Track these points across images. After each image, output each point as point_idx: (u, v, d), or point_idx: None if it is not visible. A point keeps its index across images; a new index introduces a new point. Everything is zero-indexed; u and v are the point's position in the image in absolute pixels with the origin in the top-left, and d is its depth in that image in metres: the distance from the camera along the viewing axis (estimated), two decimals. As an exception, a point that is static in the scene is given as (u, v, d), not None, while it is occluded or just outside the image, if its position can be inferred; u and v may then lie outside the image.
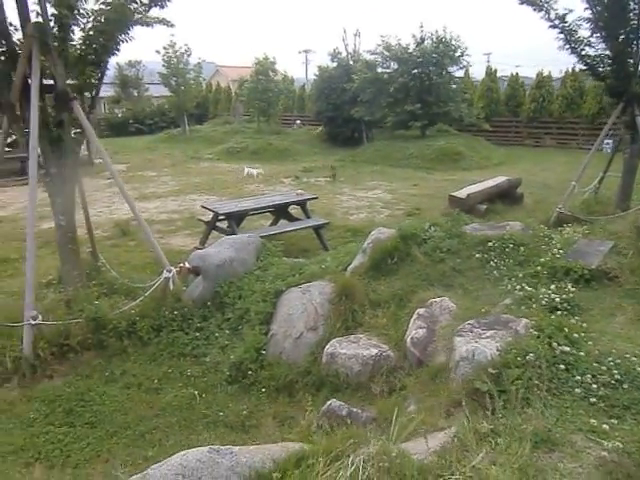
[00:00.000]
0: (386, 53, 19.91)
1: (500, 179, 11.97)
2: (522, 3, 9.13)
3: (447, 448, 2.52)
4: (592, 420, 2.64)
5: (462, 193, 10.56)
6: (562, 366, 2.96)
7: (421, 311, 4.53)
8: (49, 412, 4.61)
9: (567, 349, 3.07)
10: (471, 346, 3.15)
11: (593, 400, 2.81)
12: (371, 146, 19.96)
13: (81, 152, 20.50)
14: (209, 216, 8.88)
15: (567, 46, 8.94)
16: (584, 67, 9.19)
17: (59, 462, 3.99)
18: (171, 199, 13.60)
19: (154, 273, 7.32)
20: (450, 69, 19.94)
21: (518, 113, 23.09)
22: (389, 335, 4.66)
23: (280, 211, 8.92)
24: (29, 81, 5.64)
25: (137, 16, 5.91)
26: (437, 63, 19.02)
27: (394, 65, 20.18)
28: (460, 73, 21.66)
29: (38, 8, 5.47)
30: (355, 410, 3.70)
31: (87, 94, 6.20)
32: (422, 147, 18.22)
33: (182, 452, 2.40)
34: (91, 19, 5.78)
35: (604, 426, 2.58)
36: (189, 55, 24.45)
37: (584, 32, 8.67)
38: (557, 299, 4.08)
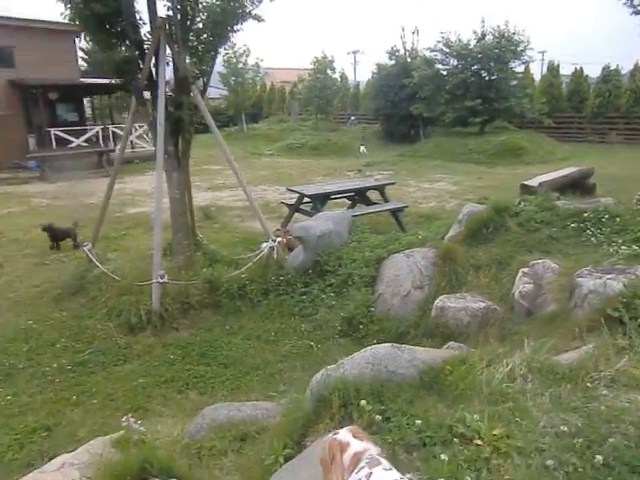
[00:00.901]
0: (446, 50, 20.15)
1: (571, 169, 11.98)
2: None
3: (589, 357, 2.87)
4: None
5: (534, 182, 10.69)
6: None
7: (525, 270, 4.86)
8: (185, 355, 5.23)
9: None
10: (599, 281, 3.49)
11: None
12: (430, 142, 20.21)
13: (147, 147, 21.70)
14: (291, 200, 9.45)
15: None
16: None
17: (207, 391, 4.57)
18: (242, 189, 14.27)
19: (245, 250, 7.97)
20: (511, 64, 19.90)
21: (581, 109, 22.68)
22: (492, 293, 5.02)
23: (360, 195, 9.38)
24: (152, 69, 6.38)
25: (249, 8, 6.49)
26: (498, 58, 19.06)
27: (453, 61, 20.37)
28: (520, 69, 21.58)
29: (167, 3, 6.17)
30: (475, 350, 4.08)
31: (203, 79, 6.83)
32: (482, 142, 18.32)
33: (369, 347, 2.87)
34: (210, 11, 6.41)
35: None
36: (247, 56, 25.39)
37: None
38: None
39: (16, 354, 5.36)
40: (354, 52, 45.05)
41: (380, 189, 9.38)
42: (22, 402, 4.52)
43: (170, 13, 6.19)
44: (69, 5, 6.20)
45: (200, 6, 6.32)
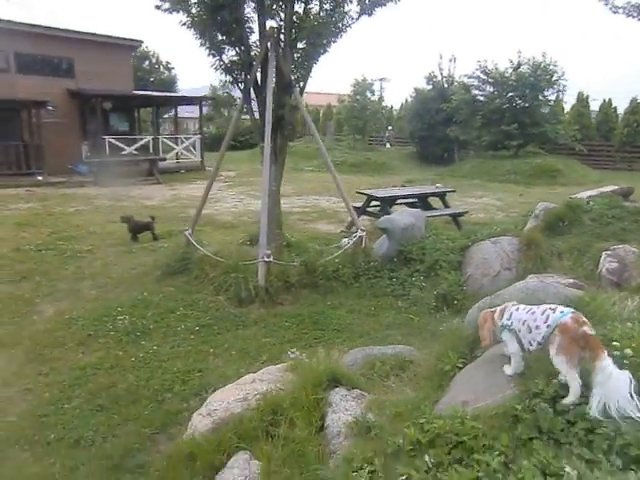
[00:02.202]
0: (483, 77, 21.07)
1: (613, 187, 12.57)
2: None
3: None
4: None
5: (582, 196, 11.31)
6: None
7: (608, 252, 5.46)
8: (298, 322, 5.83)
9: None
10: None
11: None
12: (466, 163, 20.98)
13: (193, 158, 22.76)
14: (358, 203, 10.14)
15: None
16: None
17: (328, 348, 5.16)
18: (295, 198, 15.07)
19: (320, 245, 8.62)
20: (545, 93, 20.74)
21: (610, 138, 23.42)
22: (576, 273, 5.60)
23: (422, 200, 10.05)
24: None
25: (349, 22, 7.29)
26: (533, 87, 19.91)
27: (489, 88, 21.26)
28: (553, 97, 22.40)
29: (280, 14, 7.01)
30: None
31: (300, 83, 7.60)
32: (518, 164, 19.03)
33: (521, 281, 3.49)
34: (313, 24, 7.22)
35: None
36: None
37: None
38: None
39: (143, 317, 6.00)
40: (380, 79, 46.32)
41: (441, 196, 10.04)
42: (166, 352, 5.14)
43: (281, 23, 7.02)
44: (189, 14, 7.07)
45: (306, 19, 7.13)
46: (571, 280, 5.30)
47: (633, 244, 5.79)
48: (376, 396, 3.21)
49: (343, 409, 3.06)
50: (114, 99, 20.46)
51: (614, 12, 10.03)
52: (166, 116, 32.89)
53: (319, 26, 7.11)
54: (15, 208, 13.45)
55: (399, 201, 9.79)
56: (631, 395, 2.05)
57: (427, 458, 2.28)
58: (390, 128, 27.77)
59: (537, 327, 2.45)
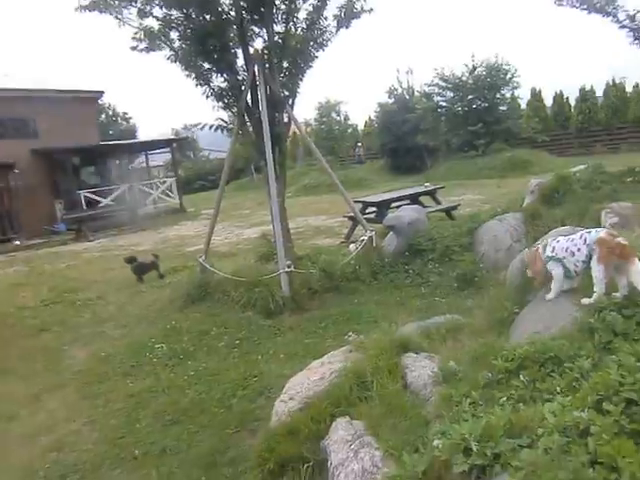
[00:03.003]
0: (442, 83, 22.06)
1: (584, 165, 13.30)
2: (590, 12, 10.80)
3: None
4: None
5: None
6: None
7: (607, 210, 5.89)
8: (333, 322, 6.00)
9: None
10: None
11: None
12: (440, 167, 21.72)
13: (172, 200, 22.65)
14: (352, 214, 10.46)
15: (637, 41, 10.51)
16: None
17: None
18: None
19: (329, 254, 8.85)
20: (502, 91, 21.83)
21: (567, 126, 24.66)
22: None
23: (414, 200, 10.46)
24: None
25: (328, 36, 7.72)
26: (491, 87, 20.96)
27: (450, 93, 22.25)
28: (509, 94, 23.54)
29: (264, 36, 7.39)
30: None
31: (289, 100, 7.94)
32: (490, 161, 19.87)
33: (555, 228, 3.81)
34: (294, 42, 7.62)
35: None
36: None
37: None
38: None
39: (179, 342, 6.10)
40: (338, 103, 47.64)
41: (432, 193, 10.48)
42: (215, 367, 5.24)
43: (264, 44, 7.40)
44: (172, 49, 7.37)
45: (287, 38, 7.51)
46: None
47: (627, 201, 6.26)
48: (446, 354, 3.46)
49: (420, 367, 3.29)
50: (82, 152, 20.38)
51: (559, 5, 10.82)
52: (130, 168, 32.94)
53: (301, 44, 7.53)
54: (1, 273, 13.13)
55: (394, 204, 10.17)
56: None
57: (521, 377, 2.54)
58: (359, 144, 28.52)
59: (579, 250, 2.84)
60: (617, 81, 22.46)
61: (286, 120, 7.85)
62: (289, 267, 6.77)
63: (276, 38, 7.44)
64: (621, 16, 10.09)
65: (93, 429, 4.34)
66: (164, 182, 22.86)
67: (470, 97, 21.17)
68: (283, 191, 7.95)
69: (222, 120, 7.94)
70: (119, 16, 7.19)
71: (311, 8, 7.55)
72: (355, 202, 10.58)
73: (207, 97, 7.66)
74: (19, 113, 19.94)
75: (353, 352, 3.94)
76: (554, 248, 3.06)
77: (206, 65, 7.50)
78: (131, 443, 3.96)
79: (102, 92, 23.71)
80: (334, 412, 3.13)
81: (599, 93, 24.21)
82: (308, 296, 6.83)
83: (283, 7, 7.28)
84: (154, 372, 5.34)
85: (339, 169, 25.25)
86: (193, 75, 7.57)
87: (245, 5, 7.14)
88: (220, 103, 7.74)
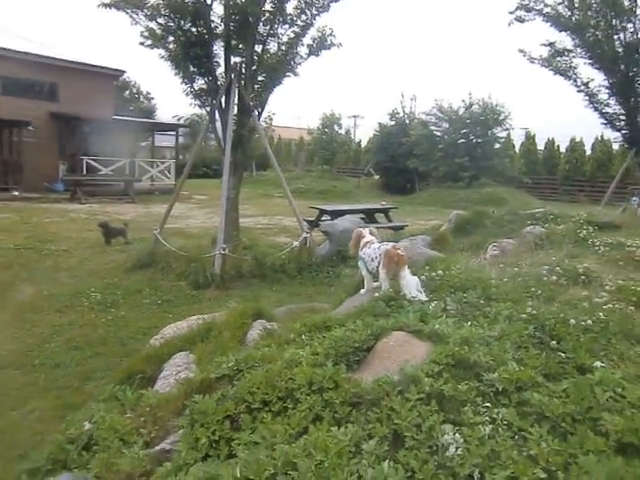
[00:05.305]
0: (439, 114, 23.08)
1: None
2: (555, 74, 11.82)
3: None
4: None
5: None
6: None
7: (495, 243, 6.81)
8: (242, 300, 6.90)
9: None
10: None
11: None
12: (424, 192, 22.70)
13: (167, 181, 23.76)
14: (311, 219, 11.43)
15: (591, 105, 11.53)
16: (604, 121, 11.72)
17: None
18: (260, 217, 16.33)
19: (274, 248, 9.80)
20: (494, 130, 22.80)
21: (555, 172, 25.61)
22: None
23: (368, 215, 11.39)
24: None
25: (299, 61, 8.73)
26: (483, 124, 21.96)
27: (445, 125, 23.26)
28: (503, 134, 24.52)
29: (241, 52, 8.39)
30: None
31: (259, 109, 8.95)
32: (470, 193, 20.77)
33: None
34: (270, 61, 8.63)
35: None
36: (260, 111, 28.18)
37: (603, 95, 11.33)
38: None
39: (113, 294, 7.07)
40: (354, 116, 48.84)
41: (385, 212, 11.43)
42: (132, 317, 6.22)
43: (242, 59, 8.40)
44: (167, 50, 8.39)
45: (264, 57, 8.54)
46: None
47: (516, 239, 7.19)
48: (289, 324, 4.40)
49: (257, 327, 4.23)
50: (93, 123, 21.55)
51: (531, 62, 11.82)
52: (144, 144, 34.10)
53: (275, 64, 8.54)
54: (-9, 218, 14.15)
55: (346, 215, 11.10)
56: (418, 289, 3.38)
57: (303, 337, 3.47)
58: (369, 166, 29.38)
59: (376, 257, 3.79)
60: (605, 137, 23.44)
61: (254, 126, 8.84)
62: (224, 250, 7.71)
63: (254, 55, 8.44)
64: (578, 82, 11.07)
65: (12, 342, 5.31)
66: (164, 162, 23.88)
67: (463, 131, 22.16)
68: (238, 186, 8.91)
69: (197, 116, 8.95)
70: (133, 16, 8.21)
71: (292, 34, 8.56)
72: (313, 209, 11.57)
73: (187, 95, 8.66)
74: (44, 77, 21.37)
75: (224, 313, 4.89)
76: (365, 252, 4.01)
77: (191, 68, 8.48)
78: (35, 356, 4.92)
79: (123, 71, 24.99)
80: (182, 347, 4.07)
81: (588, 146, 25.26)
82: (236, 278, 7.78)
83: (262, 31, 8.27)
84: (81, 312, 6.31)
85: (331, 179, 26.28)
86: (180, 74, 8.58)
87: (232, 24, 8.13)
88: (197, 102, 8.74)
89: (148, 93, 43.29)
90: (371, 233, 4.22)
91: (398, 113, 25.71)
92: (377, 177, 27.50)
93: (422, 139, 22.81)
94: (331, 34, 8.54)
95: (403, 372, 2.38)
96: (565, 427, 1.98)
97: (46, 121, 21.38)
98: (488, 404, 2.23)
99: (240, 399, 2.51)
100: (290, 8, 8.39)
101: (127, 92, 40.94)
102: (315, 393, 2.42)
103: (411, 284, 3.59)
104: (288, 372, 2.61)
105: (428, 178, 24.86)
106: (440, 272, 3.86)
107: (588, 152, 25.54)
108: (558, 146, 26.49)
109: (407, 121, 25.49)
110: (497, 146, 23.26)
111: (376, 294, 3.85)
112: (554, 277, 3.71)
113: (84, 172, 21.05)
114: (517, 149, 26.66)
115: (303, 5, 8.47)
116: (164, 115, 39.39)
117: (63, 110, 21.30)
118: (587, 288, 3.56)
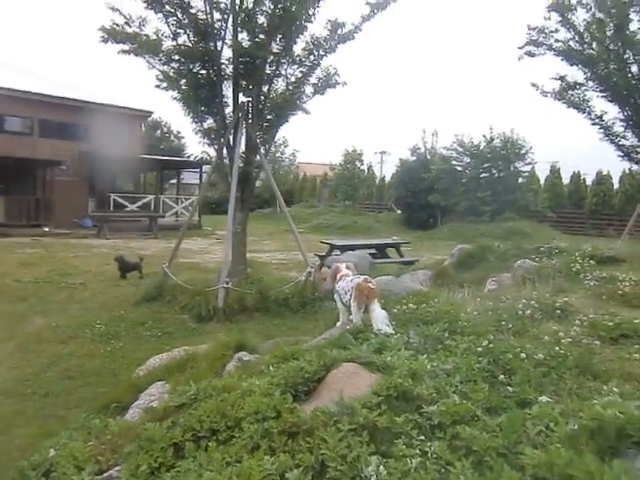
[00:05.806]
0: (460, 149, 23.14)
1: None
2: (569, 107, 11.77)
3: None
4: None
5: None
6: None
7: (494, 278, 6.71)
8: (243, 333, 6.99)
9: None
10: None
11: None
12: (445, 227, 22.56)
13: (190, 217, 24.31)
14: (323, 253, 11.52)
15: (606, 138, 11.38)
16: (621, 154, 11.51)
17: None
18: (278, 253, 16.51)
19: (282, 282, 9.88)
20: (517, 164, 22.66)
21: (581, 206, 25.09)
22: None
23: (379, 250, 11.39)
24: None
25: (305, 100, 9.00)
26: (504, 159, 21.87)
27: (466, 159, 23.26)
28: (527, 168, 24.24)
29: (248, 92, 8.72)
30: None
31: (265, 146, 9.21)
32: (492, 228, 20.49)
33: (386, 276, 4.74)
34: (277, 100, 8.92)
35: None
36: (286, 146, 28.94)
37: (618, 128, 11.17)
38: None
39: (117, 326, 7.23)
40: (381, 152, 49.47)
41: (396, 247, 11.41)
42: (130, 349, 6.33)
43: (249, 99, 8.73)
44: (179, 91, 8.80)
45: (270, 96, 8.85)
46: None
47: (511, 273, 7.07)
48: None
49: (236, 359, 4.27)
50: (122, 161, 22.47)
51: (544, 96, 11.83)
52: (173, 181, 35.16)
53: (282, 102, 8.82)
54: (21, 252, 14.86)
55: (357, 250, 11.15)
56: (386, 322, 3.39)
57: (271, 368, 3.49)
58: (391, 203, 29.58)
59: (349, 290, 3.80)
60: (634, 169, 22.93)
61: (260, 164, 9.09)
62: (227, 284, 7.82)
63: (262, 95, 8.76)
64: (592, 114, 10.99)
65: (11, 372, 5.48)
66: (188, 199, 24.58)
67: (485, 165, 22.11)
68: (245, 221, 9.07)
69: (207, 154, 9.29)
70: (150, 61, 8.69)
71: (299, 74, 8.87)
72: (324, 243, 11.65)
73: (196, 133, 9.02)
74: (76, 119, 22.68)
75: (211, 345, 4.95)
76: (339, 285, 4.04)
77: (201, 108, 8.85)
78: (29, 386, 5.06)
79: (151, 112, 26.20)
80: (161, 377, 4.14)
81: (616, 179, 24.67)
82: (239, 311, 7.85)
83: (269, 71, 8.60)
84: (82, 343, 6.46)
85: (353, 214, 26.41)
86: (191, 115, 8.96)
87: (241, 66, 8.49)
88: (206, 140, 9.07)
89: (178, 132, 45.03)
90: (347, 267, 4.26)
91: (419, 148, 25.92)
92: (399, 212, 27.56)
93: (443, 174, 22.85)
94: (335, 73, 8.80)
95: (340, 403, 2.37)
96: (488, 461, 1.94)
97: (77, 160, 22.47)
98: (422, 437, 2.21)
99: (189, 427, 2.54)
100: (299, 50, 8.74)
101: (158, 132, 42.66)
102: (258, 422, 2.43)
103: (379, 317, 3.59)
104: (241, 401, 2.63)
105: (450, 213, 24.71)
106: (412, 305, 3.86)
107: (616, 185, 24.99)
108: (584, 179, 26.07)
109: (428, 156, 25.62)
110: (520, 180, 23.03)
111: (339, 324, 3.87)
112: (529, 311, 3.65)
113: (111, 208, 21.84)
114: (542, 183, 26.31)
115: (312, 46, 8.80)
116: (194, 153, 40.72)
117: (93, 149, 22.31)
118: (561, 322, 3.48)
